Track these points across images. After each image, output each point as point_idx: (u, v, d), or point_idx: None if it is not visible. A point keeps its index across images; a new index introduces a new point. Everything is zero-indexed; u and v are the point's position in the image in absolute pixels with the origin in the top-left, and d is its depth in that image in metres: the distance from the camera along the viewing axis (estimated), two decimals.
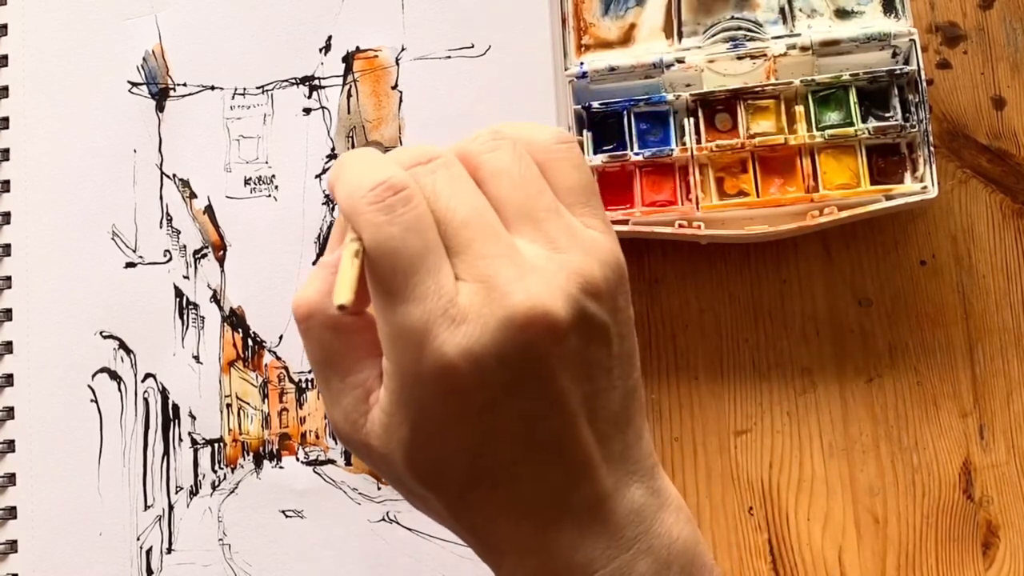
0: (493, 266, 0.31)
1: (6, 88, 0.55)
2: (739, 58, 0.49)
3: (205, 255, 0.53)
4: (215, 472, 0.52)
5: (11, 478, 0.52)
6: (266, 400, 0.52)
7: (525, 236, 0.32)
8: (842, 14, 0.50)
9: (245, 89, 0.53)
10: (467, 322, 0.30)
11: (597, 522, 0.33)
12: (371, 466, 0.35)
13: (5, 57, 0.55)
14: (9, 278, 0.54)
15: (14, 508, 0.52)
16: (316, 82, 0.53)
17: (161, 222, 0.53)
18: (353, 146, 0.52)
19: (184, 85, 0.54)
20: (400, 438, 0.32)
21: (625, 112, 0.50)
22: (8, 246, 0.54)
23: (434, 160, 0.33)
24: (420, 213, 0.31)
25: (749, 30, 0.50)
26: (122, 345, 0.52)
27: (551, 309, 0.31)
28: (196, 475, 0.52)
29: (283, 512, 0.51)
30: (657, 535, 0.33)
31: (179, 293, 0.52)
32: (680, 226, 0.48)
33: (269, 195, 0.52)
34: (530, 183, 0.33)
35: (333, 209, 0.52)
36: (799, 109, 0.49)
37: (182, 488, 0.52)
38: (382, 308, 0.31)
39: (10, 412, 0.53)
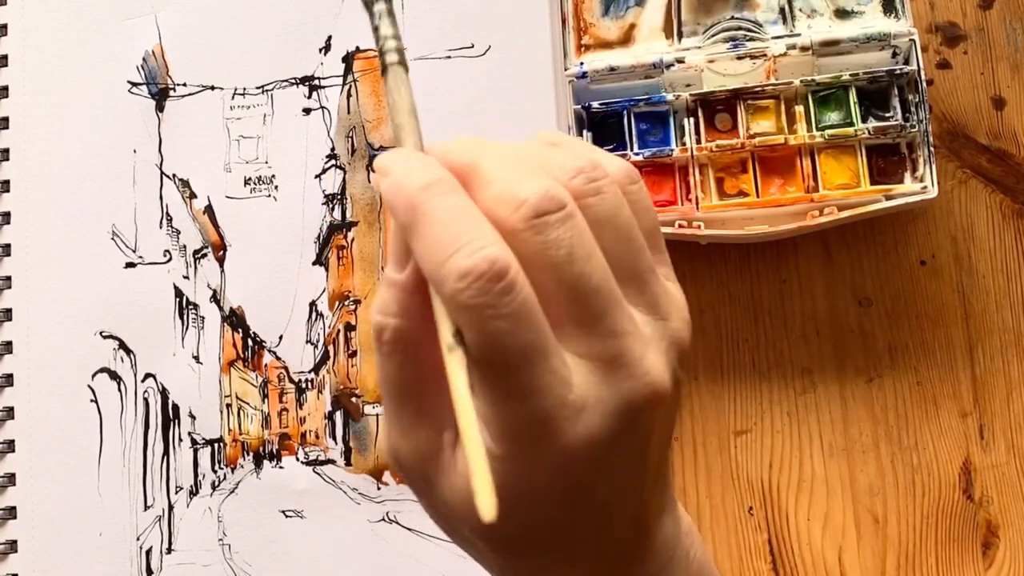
0: (620, 346, 0.28)
1: (6, 88, 0.55)
2: (739, 58, 0.49)
3: (205, 255, 0.53)
4: (215, 472, 0.52)
5: (11, 478, 0.52)
6: (266, 400, 0.52)
7: (630, 299, 0.29)
8: (842, 14, 0.50)
9: (245, 89, 0.53)
10: (586, 409, 0.28)
11: (637, 560, 0.32)
12: (421, 499, 0.33)
13: (5, 57, 0.55)
14: (9, 278, 0.54)
15: (14, 508, 0.52)
16: (316, 82, 0.53)
17: (161, 222, 0.53)
18: (353, 147, 0.52)
19: (184, 85, 0.54)
20: None
21: (625, 112, 0.50)
22: (8, 246, 0.54)
23: (565, 209, 0.28)
24: (525, 297, 0.27)
25: (749, 30, 0.50)
26: (122, 345, 0.52)
27: (663, 386, 0.29)
28: (196, 475, 0.52)
29: (283, 512, 0.51)
30: (679, 559, 0.33)
31: (179, 293, 0.52)
32: (680, 226, 0.48)
33: (269, 195, 0.52)
34: (634, 237, 0.30)
35: (333, 209, 0.52)
36: (799, 109, 0.49)
37: (182, 488, 0.52)
38: (491, 401, 0.28)
39: (10, 412, 0.53)
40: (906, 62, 0.49)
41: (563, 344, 0.28)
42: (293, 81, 0.53)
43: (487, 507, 0.26)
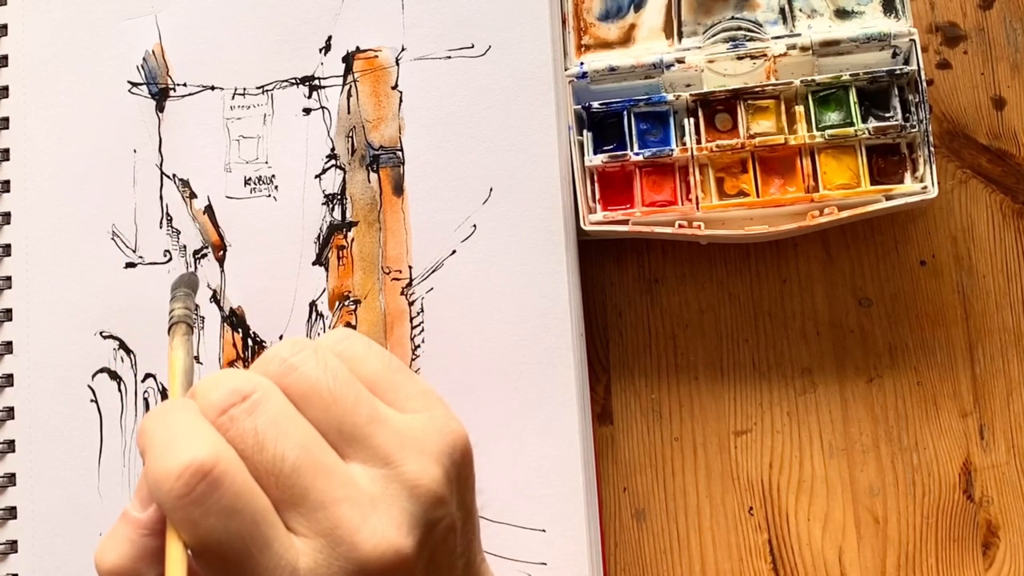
0: (334, 517, 0.29)
1: (6, 88, 0.55)
2: (739, 58, 0.49)
3: (205, 255, 0.53)
4: None
5: (11, 478, 0.52)
6: None
7: (356, 459, 0.30)
8: (842, 14, 0.50)
9: (245, 89, 0.53)
10: None
11: None
12: None
13: (5, 57, 0.55)
14: (9, 278, 0.54)
15: (14, 508, 0.52)
16: (316, 82, 0.53)
17: (161, 222, 0.53)
18: (353, 147, 0.52)
19: (184, 85, 0.54)
20: None
21: (625, 112, 0.50)
22: (8, 246, 0.54)
23: (250, 397, 0.30)
24: (236, 490, 0.28)
25: (749, 30, 0.50)
26: (122, 345, 0.52)
27: (400, 547, 0.29)
28: None
29: None
30: None
31: None
32: (680, 226, 0.48)
33: (269, 195, 0.52)
34: (343, 397, 0.31)
35: (332, 210, 0.52)
36: (799, 109, 0.49)
37: None
38: None
39: (10, 412, 0.53)
40: (906, 62, 0.49)
41: (290, 525, 0.29)
42: (293, 81, 0.53)
43: None
